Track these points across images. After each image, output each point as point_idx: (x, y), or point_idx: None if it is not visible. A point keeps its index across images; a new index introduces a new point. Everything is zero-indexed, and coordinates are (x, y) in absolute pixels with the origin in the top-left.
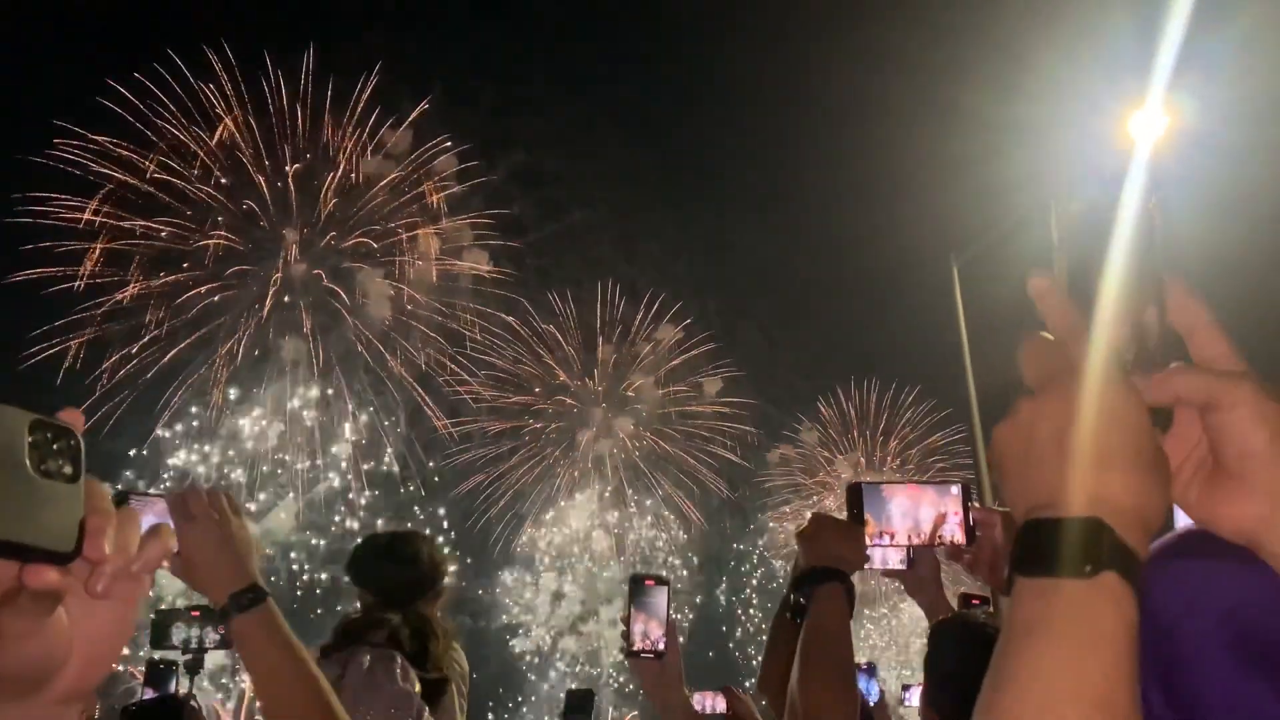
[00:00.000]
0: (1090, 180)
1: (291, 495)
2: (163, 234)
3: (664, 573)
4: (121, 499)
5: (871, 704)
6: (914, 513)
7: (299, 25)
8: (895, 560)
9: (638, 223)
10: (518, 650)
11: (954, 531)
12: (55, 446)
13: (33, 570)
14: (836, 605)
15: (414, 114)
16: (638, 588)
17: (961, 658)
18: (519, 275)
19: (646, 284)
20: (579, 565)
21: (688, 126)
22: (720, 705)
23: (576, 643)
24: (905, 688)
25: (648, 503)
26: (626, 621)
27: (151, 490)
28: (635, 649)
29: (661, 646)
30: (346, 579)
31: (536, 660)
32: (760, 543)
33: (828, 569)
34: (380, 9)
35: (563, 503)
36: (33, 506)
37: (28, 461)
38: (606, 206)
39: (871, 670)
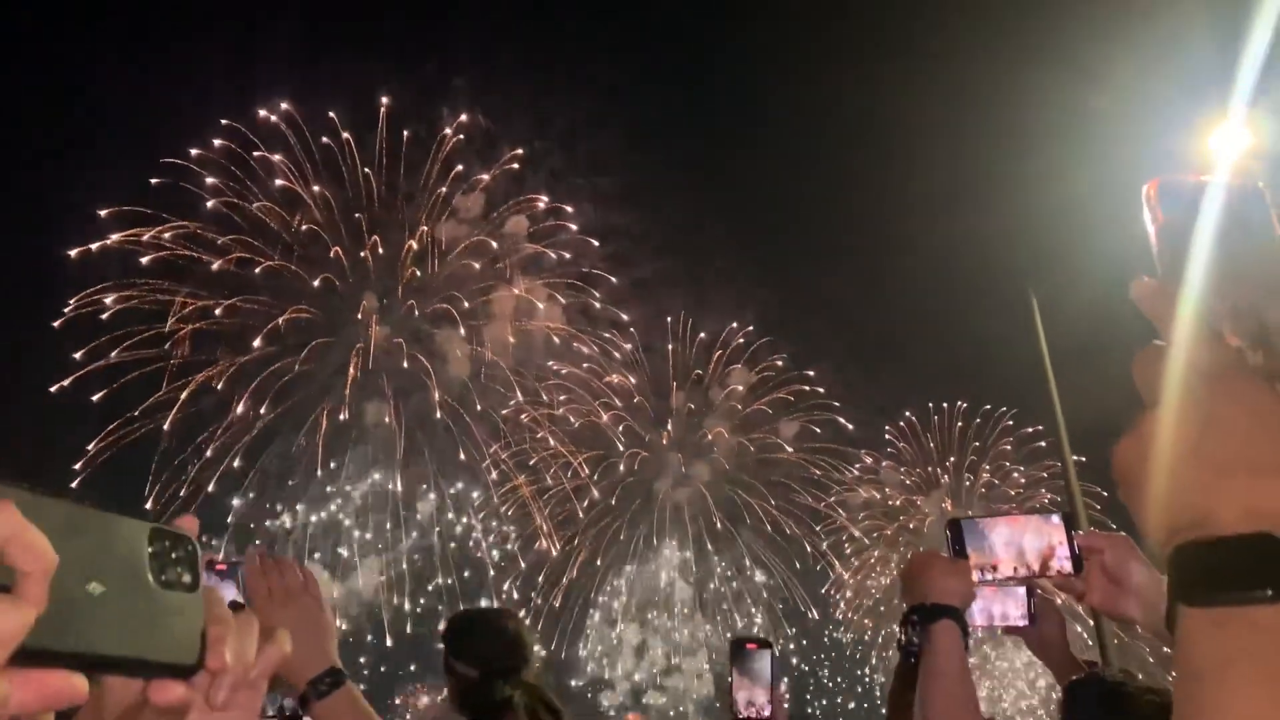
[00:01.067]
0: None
1: (376, 558)
2: (232, 312)
3: (765, 636)
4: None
5: None
6: (1017, 543)
7: (365, 92)
8: (1016, 616)
9: (709, 268)
10: (604, 706)
11: (1060, 561)
12: (174, 555)
13: (158, 686)
14: (952, 642)
15: (499, 165)
16: (739, 652)
17: (1101, 718)
18: (598, 331)
19: (720, 328)
20: (660, 619)
21: (755, 163)
22: None
23: (660, 698)
24: None
25: (726, 561)
26: (730, 689)
27: (235, 559)
28: (741, 717)
29: (767, 713)
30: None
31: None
32: (842, 596)
33: (938, 605)
34: (444, 72)
35: (649, 559)
36: (156, 620)
37: (149, 573)
38: (679, 254)
39: None
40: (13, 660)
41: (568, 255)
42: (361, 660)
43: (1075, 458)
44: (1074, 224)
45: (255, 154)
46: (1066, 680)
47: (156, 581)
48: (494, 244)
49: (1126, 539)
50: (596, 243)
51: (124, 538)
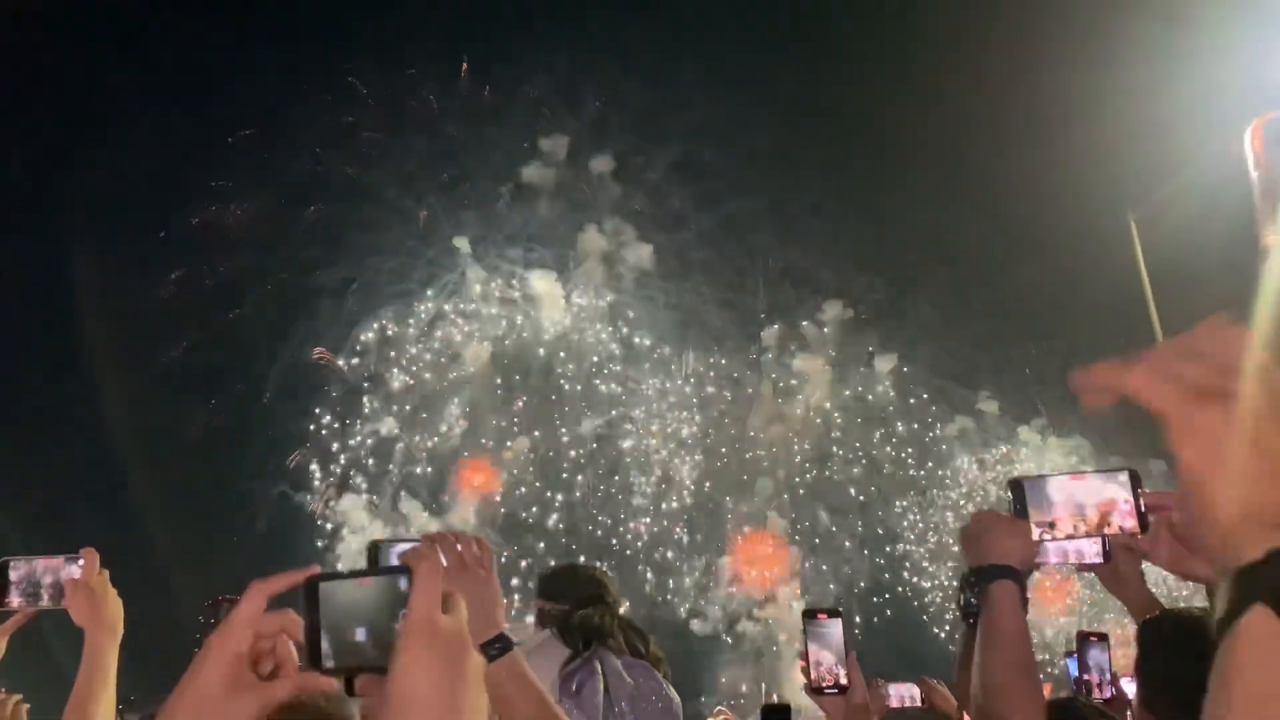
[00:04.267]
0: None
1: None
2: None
3: (838, 605)
4: (373, 549)
5: None
6: (1078, 500)
7: (449, 42)
8: (1091, 554)
9: (798, 205)
10: (695, 632)
11: (1124, 519)
12: None
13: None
14: (1010, 603)
15: (583, 111)
16: (811, 622)
17: (1178, 658)
18: (686, 270)
19: (810, 265)
20: (754, 551)
21: (843, 98)
22: (916, 696)
23: (755, 628)
24: None
25: (822, 494)
26: (805, 658)
27: (405, 536)
28: (817, 685)
29: (844, 680)
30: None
31: (713, 646)
32: (932, 536)
33: (996, 566)
34: (527, 20)
35: (742, 494)
36: None
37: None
38: (765, 192)
39: None
40: None
41: (652, 196)
42: None
43: None
44: (1172, 146)
45: (343, 118)
46: (1142, 619)
47: None
48: (581, 187)
49: None
50: (680, 183)
51: None
